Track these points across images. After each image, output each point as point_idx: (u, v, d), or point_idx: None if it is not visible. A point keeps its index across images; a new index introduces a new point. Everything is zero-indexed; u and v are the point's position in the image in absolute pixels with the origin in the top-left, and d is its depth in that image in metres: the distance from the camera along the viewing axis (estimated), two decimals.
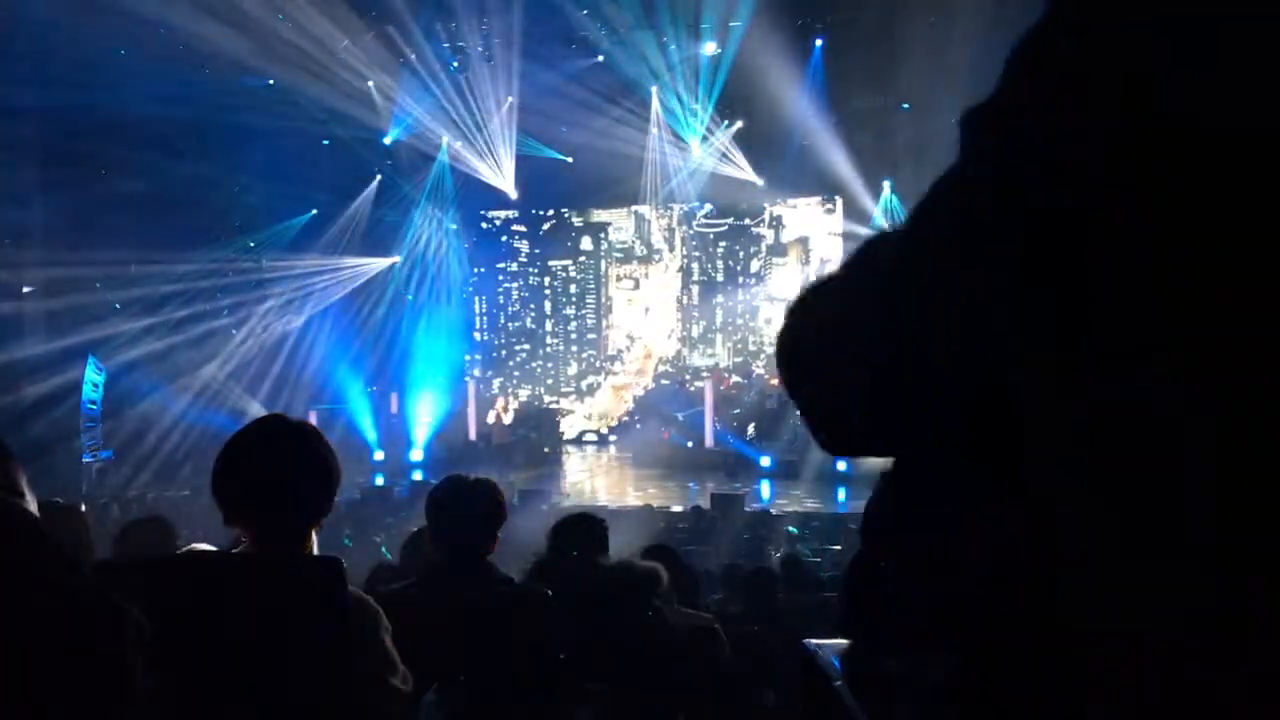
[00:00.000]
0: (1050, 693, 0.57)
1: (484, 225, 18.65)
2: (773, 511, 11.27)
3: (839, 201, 16.12)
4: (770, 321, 17.33)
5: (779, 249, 17.07)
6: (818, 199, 16.20)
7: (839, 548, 8.28)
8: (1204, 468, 0.42)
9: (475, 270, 18.70)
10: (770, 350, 17.15)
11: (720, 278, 17.56)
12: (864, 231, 15.79)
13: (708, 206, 17.51)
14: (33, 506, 1.23)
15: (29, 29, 10.62)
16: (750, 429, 15.52)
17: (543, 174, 16.93)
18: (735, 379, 17.23)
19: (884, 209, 15.50)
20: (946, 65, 12.15)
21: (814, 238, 16.93)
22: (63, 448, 12.63)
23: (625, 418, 17.84)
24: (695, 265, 17.74)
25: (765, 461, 14.09)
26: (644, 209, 17.72)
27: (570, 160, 16.56)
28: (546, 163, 16.72)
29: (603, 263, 18.14)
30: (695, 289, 17.77)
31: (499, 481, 2.89)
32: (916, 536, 0.67)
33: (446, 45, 13.67)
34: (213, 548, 2.00)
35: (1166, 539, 0.44)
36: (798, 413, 0.68)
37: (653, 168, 16.46)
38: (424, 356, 17.34)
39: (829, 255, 16.82)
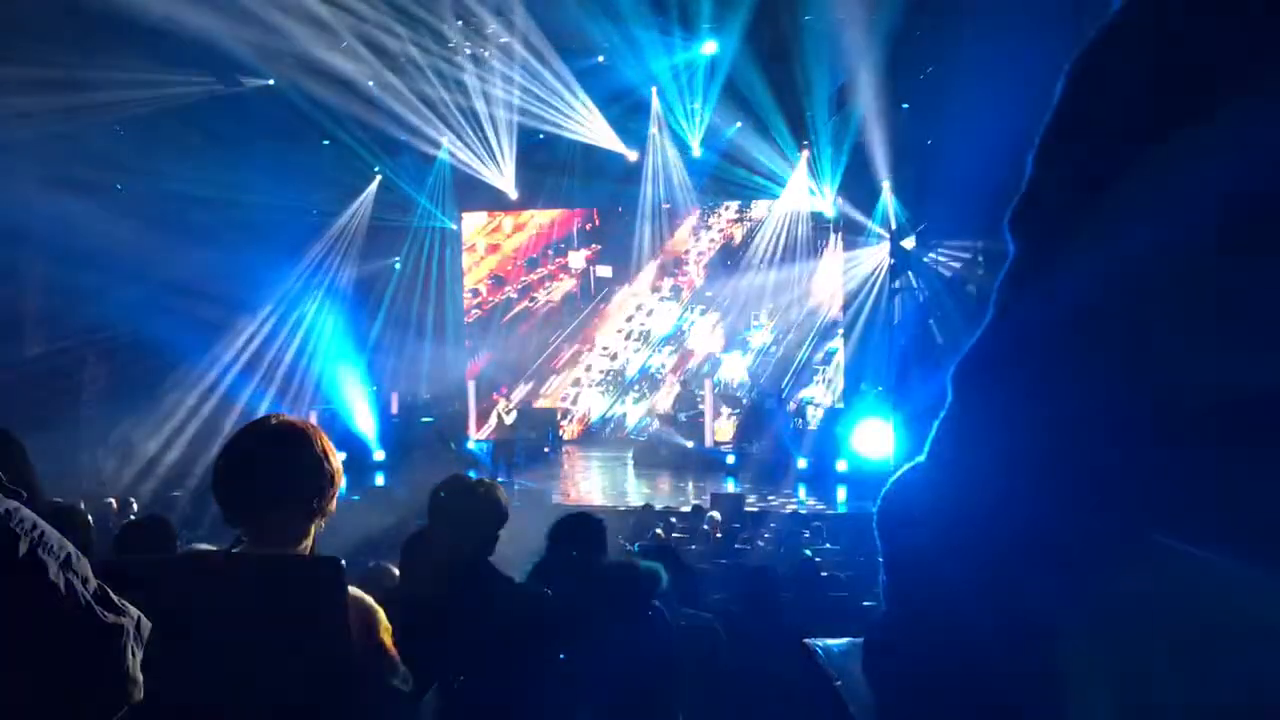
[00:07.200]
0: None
1: (482, 227, 18.65)
2: (773, 511, 11.28)
3: (839, 202, 16.08)
4: (762, 327, 17.30)
5: (777, 250, 17.03)
6: (816, 199, 16.16)
7: (838, 548, 8.29)
8: None
9: (475, 271, 18.70)
10: (771, 351, 17.21)
11: (717, 280, 17.53)
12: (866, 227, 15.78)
13: (708, 207, 17.50)
14: (38, 502, 1.23)
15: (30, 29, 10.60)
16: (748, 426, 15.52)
17: (543, 174, 16.92)
18: (739, 381, 17.23)
19: (882, 209, 15.44)
20: (947, 66, 12.16)
21: (813, 239, 16.88)
22: (63, 447, 12.61)
23: (623, 418, 17.84)
24: (693, 266, 17.73)
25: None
26: (644, 210, 17.70)
27: (570, 161, 16.56)
28: (547, 163, 16.70)
29: (601, 264, 18.13)
30: (693, 291, 17.75)
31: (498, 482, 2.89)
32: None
33: (447, 44, 13.64)
34: (213, 548, 2.00)
35: None
36: None
37: (653, 169, 16.44)
38: (424, 357, 17.34)
39: (827, 255, 16.79)
